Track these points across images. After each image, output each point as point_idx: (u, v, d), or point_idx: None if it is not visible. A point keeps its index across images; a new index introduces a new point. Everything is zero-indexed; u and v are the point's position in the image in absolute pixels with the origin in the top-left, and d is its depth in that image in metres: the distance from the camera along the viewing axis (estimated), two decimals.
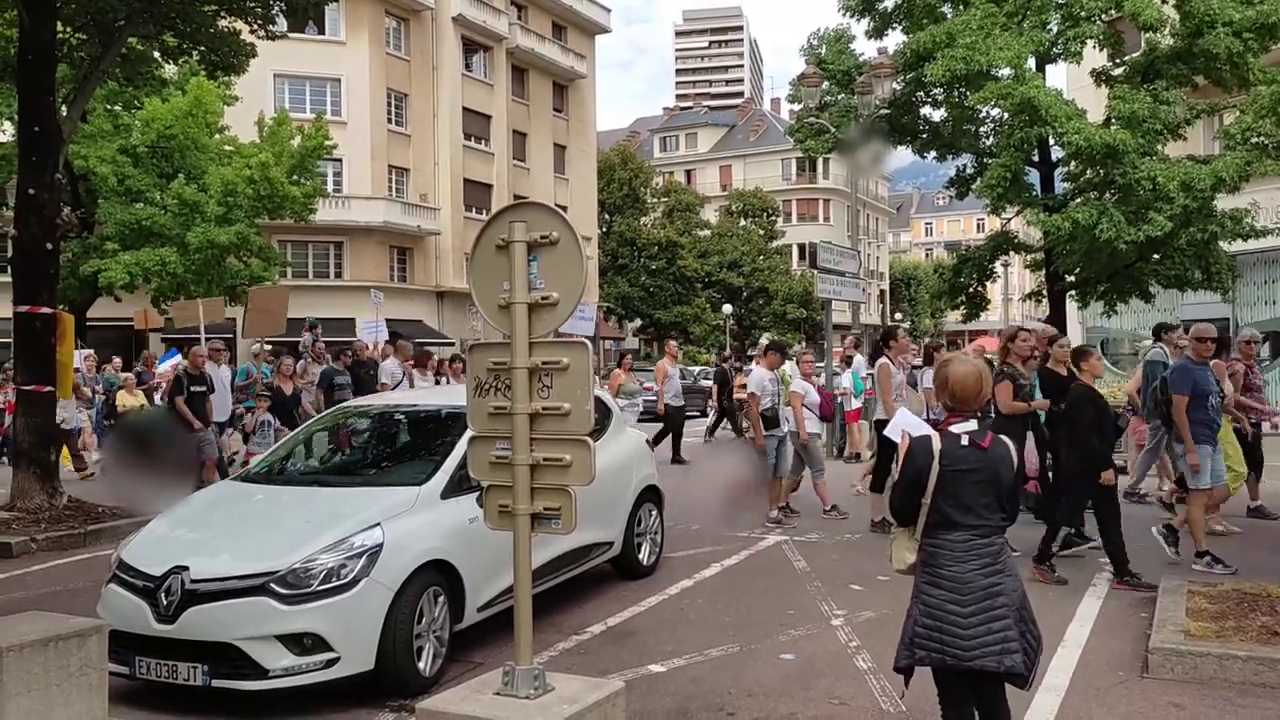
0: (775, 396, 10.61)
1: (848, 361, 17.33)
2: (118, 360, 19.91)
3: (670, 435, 16.55)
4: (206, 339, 15.78)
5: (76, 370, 14.53)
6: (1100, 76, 19.98)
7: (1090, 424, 7.68)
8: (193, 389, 11.74)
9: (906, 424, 4.33)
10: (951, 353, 5.85)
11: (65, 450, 13.61)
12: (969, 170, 21.77)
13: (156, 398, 16.55)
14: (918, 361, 11.66)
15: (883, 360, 10.19)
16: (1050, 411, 8.59)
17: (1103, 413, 7.82)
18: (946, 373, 4.12)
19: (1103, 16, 18.42)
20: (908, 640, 4.02)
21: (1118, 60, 19.77)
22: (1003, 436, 4.14)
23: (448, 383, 14.56)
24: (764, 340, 16.63)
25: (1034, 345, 8.89)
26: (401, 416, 7.58)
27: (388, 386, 12.52)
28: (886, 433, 5.17)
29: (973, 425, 4.05)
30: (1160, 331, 11.50)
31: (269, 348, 17.04)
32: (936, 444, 3.99)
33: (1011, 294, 53.97)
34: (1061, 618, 6.79)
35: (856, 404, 15.99)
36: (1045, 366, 8.86)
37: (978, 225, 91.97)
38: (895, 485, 4.27)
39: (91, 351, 19.65)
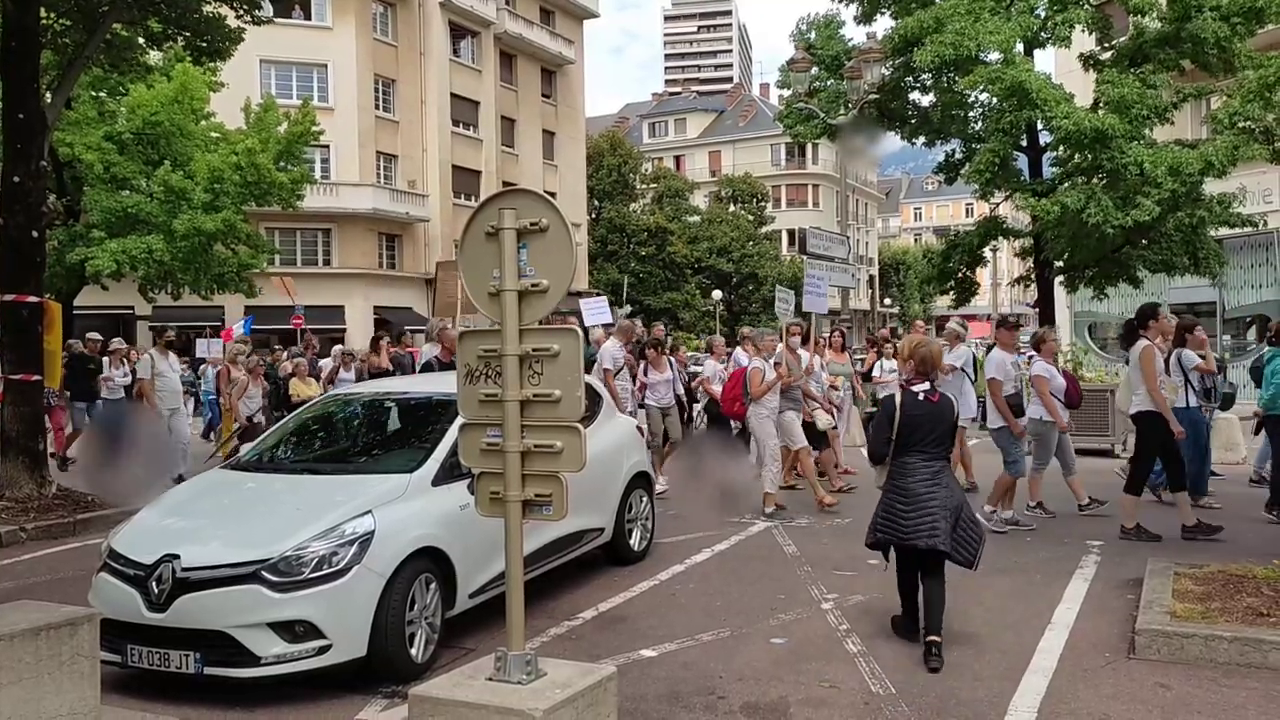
0: (1019, 381, 9.66)
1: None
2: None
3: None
4: (204, 327, 15.67)
5: (236, 362, 13.99)
6: (1088, 61, 19.98)
7: None
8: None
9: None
10: (917, 335, 7.49)
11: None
12: (958, 155, 21.78)
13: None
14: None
15: (1146, 343, 8.94)
16: None
17: None
18: (920, 352, 6.01)
19: (1090, 1, 18.42)
20: (872, 526, 6.03)
21: (1106, 45, 19.77)
22: (946, 393, 6.20)
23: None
24: (745, 329, 15.66)
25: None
26: (392, 404, 7.58)
27: (610, 373, 11.42)
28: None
29: (927, 386, 5.95)
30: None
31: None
32: (899, 399, 5.89)
33: (1000, 279, 54.10)
34: (1049, 600, 6.86)
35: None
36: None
37: (967, 210, 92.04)
38: (873, 426, 6.20)
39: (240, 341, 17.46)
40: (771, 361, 10.42)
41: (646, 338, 13.48)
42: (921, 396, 5.89)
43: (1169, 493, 9.39)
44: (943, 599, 5.75)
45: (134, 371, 14.28)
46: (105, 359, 14.98)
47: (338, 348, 15.71)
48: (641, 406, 11.77)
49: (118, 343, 15.71)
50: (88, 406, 14.72)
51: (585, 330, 13.78)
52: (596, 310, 15.47)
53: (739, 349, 12.58)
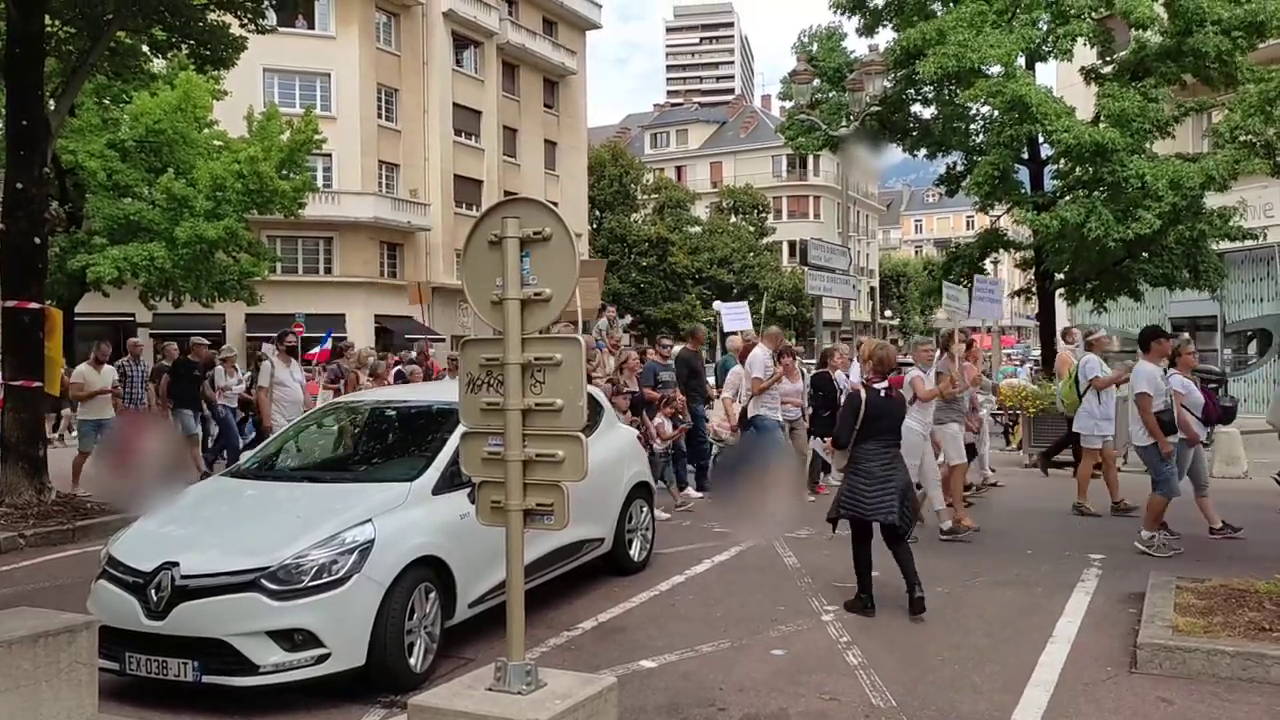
0: (1169, 396, 8.87)
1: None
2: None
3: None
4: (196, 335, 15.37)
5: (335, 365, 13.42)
6: (1090, 74, 20.03)
7: None
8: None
9: None
10: (871, 339, 7.98)
11: None
12: (959, 168, 21.81)
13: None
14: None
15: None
16: None
17: None
18: (879, 354, 7.19)
19: (1092, 14, 18.47)
20: (836, 503, 7.01)
21: (1107, 58, 19.82)
22: (899, 390, 7.38)
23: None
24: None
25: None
26: (393, 412, 7.57)
27: (761, 381, 10.93)
28: None
29: (885, 383, 7.00)
30: None
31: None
32: (863, 395, 6.93)
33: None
34: (1050, 613, 6.84)
35: None
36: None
37: (968, 223, 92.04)
38: (840, 417, 7.11)
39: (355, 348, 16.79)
40: (933, 371, 9.80)
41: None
42: (882, 393, 6.95)
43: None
44: (911, 558, 6.86)
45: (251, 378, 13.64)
46: (219, 366, 14.10)
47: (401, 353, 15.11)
48: (750, 423, 11.05)
49: (228, 349, 15.01)
50: (194, 414, 13.59)
51: (723, 337, 13.44)
52: (736, 315, 14.78)
53: (756, 348, 11.87)
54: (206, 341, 14.67)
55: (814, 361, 11.68)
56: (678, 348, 12.82)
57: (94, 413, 12.59)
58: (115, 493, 11.06)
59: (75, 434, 14.74)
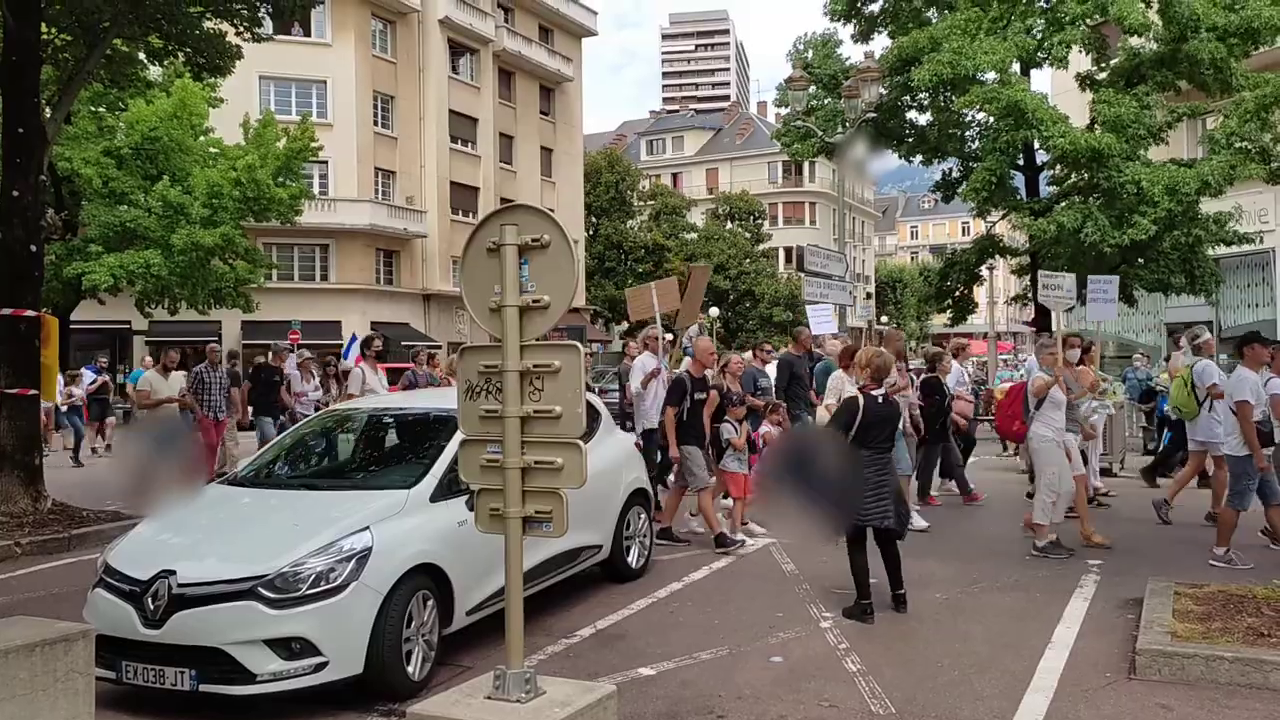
0: (1268, 406, 8.49)
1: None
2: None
3: None
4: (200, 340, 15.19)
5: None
6: (1084, 81, 20.10)
7: None
8: (698, 395, 9.57)
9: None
10: (868, 347, 8.22)
11: None
12: (955, 174, 21.87)
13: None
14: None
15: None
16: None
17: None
18: (876, 362, 7.09)
19: (1087, 21, 18.54)
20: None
21: (1102, 65, 19.89)
22: (895, 397, 7.44)
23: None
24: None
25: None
26: (390, 420, 7.56)
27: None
28: None
29: (882, 390, 7.07)
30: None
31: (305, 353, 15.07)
32: (861, 401, 6.94)
33: (997, 297, 54.16)
34: (1049, 619, 6.83)
35: None
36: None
37: (963, 229, 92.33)
38: (836, 424, 7.05)
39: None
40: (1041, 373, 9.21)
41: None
42: (880, 400, 7.03)
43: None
44: (899, 561, 7.07)
45: (325, 384, 13.15)
46: (295, 371, 13.67)
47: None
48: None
49: (305, 354, 14.53)
50: (274, 421, 13.34)
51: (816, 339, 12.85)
52: (822, 318, 14.31)
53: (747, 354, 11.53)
54: (286, 345, 14.53)
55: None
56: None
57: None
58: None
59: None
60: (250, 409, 13.26)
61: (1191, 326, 12.38)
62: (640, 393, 11.36)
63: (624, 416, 12.71)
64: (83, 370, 20.34)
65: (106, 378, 20.61)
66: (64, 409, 17.64)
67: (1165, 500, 10.61)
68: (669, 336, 13.59)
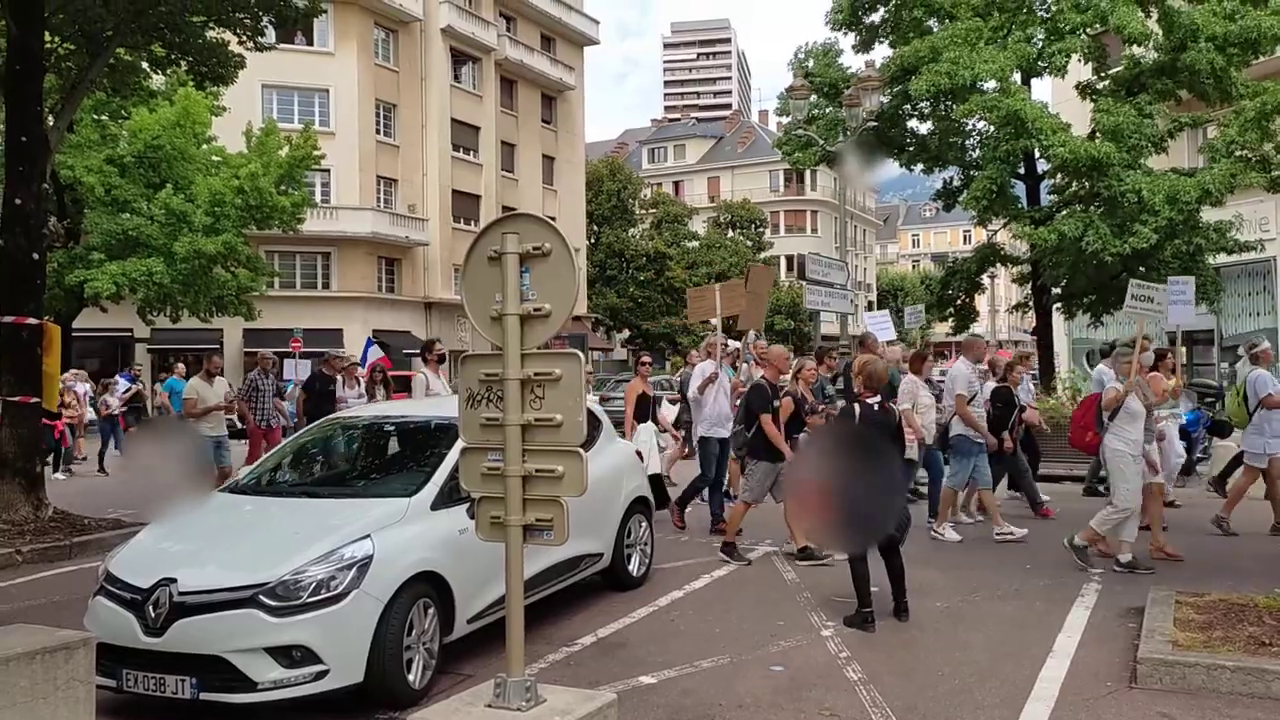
0: None
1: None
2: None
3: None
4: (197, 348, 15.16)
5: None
6: (1085, 90, 20.13)
7: None
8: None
9: None
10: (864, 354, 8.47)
11: None
12: (956, 182, 21.90)
13: None
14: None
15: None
16: None
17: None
18: (870, 369, 7.20)
19: (1086, 31, 18.58)
20: None
21: (1102, 74, 19.93)
22: (891, 404, 7.36)
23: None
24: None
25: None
26: (391, 428, 7.56)
27: (964, 397, 10.07)
28: None
29: (879, 398, 7.16)
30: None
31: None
32: (859, 410, 7.09)
33: (999, 306, 54.25)
34: (1050, 628, 6.82)
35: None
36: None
37: (964, 237, 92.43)
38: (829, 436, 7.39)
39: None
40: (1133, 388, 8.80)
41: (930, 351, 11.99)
42: (876, 407, 7.11)
43: None
44: (903, 571, 7.03)
45: (371, 391, 12.95)
46: (339, 376, 13.36)
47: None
48: (949, 444, 10.08)
49: (350, 359, 14.26)
50: None
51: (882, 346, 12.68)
52: (881, 325, 14.05)
53: (959, 362, 10.94)
54: (345, 352, 14.26)
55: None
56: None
57: (213, 429, 11.87)
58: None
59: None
60: (305, 419, 12.89)
61: (1250, 336, 12.34)
62: (698, 399, 11.11)
63: (684, 425, 12.83)
64: (117, 378, 20.38)
65: (141, 386, 20.63)
66: (97, 417, 17.71)
67: (1222, 516, 10.31)
68: (734, 343, 13.16)
